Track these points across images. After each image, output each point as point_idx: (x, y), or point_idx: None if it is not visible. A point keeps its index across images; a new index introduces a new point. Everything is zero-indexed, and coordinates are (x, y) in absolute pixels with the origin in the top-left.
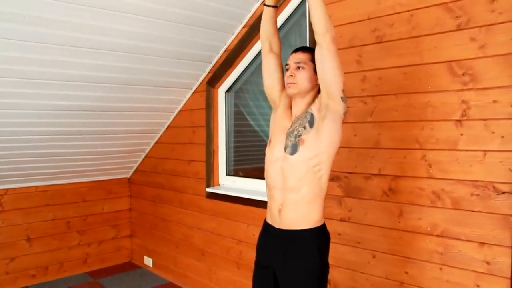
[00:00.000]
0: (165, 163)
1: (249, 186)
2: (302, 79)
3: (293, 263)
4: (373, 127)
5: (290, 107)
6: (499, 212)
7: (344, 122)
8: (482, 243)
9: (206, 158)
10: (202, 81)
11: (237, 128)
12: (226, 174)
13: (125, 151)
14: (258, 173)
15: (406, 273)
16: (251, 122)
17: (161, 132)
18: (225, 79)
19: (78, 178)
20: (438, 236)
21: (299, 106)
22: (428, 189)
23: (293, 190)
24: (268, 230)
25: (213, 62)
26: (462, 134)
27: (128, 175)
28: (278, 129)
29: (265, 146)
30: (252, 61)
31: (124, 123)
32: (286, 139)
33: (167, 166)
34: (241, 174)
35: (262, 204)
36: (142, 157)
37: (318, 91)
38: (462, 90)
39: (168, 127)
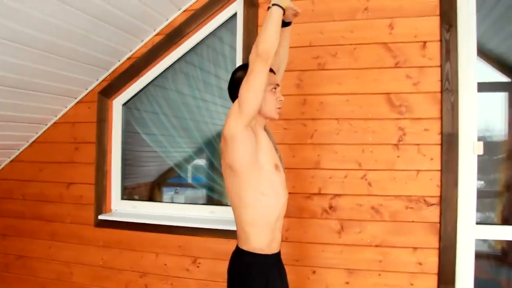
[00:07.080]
0: (26, 187)
1: (153, 210)
2: None
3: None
4: (313, 148)
5: None
6: (429, 220)
7: (282, 143)
8: (415, 248)
9: (96, 180)
10: (92, 90)
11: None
12: (122, 198)
13: None
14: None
15: (347, 283)
16: (147, 139)
17: (22, 148)
18: (124, 90)
19: None
20: (377, 246)
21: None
22: (368, 205)
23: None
24: (273, 261)
25: (110, 70)
26: (398, 156)
27: None
28: (272, 151)
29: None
30: (161, 73)
31: None
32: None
33: (30, 190)
34: (136, 198)
35: (176, 230)
36: None
37: None
38: (399, 119)
39: (33, 142)
